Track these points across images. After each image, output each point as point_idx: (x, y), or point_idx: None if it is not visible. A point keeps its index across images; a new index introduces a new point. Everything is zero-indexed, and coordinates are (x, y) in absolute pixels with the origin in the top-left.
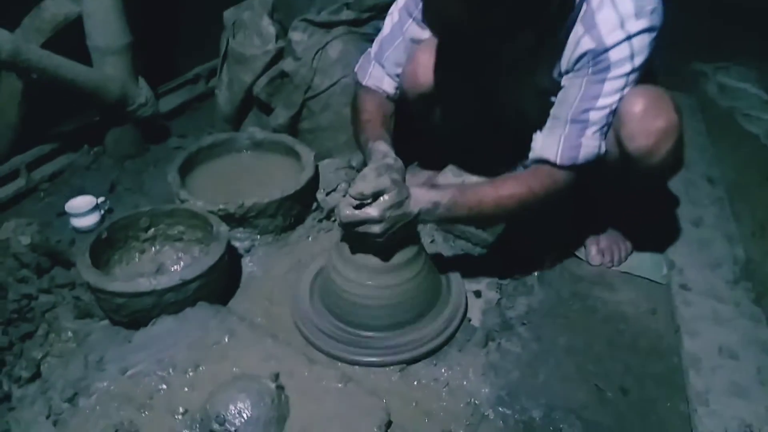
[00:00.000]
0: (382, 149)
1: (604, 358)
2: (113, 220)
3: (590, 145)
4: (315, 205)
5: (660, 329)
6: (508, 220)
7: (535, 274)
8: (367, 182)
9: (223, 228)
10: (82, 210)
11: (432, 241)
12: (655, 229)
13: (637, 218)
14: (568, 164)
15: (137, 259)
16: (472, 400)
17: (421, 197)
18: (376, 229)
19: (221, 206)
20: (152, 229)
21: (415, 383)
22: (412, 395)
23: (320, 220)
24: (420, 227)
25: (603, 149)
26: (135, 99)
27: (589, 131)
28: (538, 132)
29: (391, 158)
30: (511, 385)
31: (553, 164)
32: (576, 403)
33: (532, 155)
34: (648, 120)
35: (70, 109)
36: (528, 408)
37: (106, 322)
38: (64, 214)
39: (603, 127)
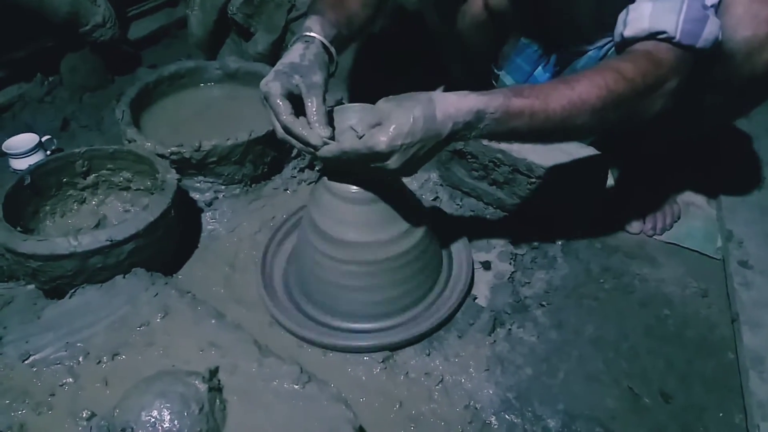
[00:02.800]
0: (306, 25)
1: (641, 352)
2: (40, 162)
3: (714, 22)
4: (295, 150)
5: (712, 317)
6: (593, 135)
7: (559, 242)
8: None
9: (171, 176)
10: (22, 149)
11: (435, 199)
12: (708, 191)
13: (688, 175)
14: (689, 43)
15: (75, 211)
16: (472, 403)
17: (452, 107)
18: (389, 164)
19: (173, 149)
20: (93, 175)
21: (402, 378)
22: (396, 393)
23: (302, 170)
24: (420, 182)
25: (721, 34)
26: (89, 18)
27: (710, 1)
28: (634, 5)
29: (301, 46)
30: (521, 386)
31: (668, 40)
32: (603, 411)
33: (629, 31)
34: (757, 4)
35: (25, 31)
36: (542, 415)
37: (33, 286)
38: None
39: (719, 3)
